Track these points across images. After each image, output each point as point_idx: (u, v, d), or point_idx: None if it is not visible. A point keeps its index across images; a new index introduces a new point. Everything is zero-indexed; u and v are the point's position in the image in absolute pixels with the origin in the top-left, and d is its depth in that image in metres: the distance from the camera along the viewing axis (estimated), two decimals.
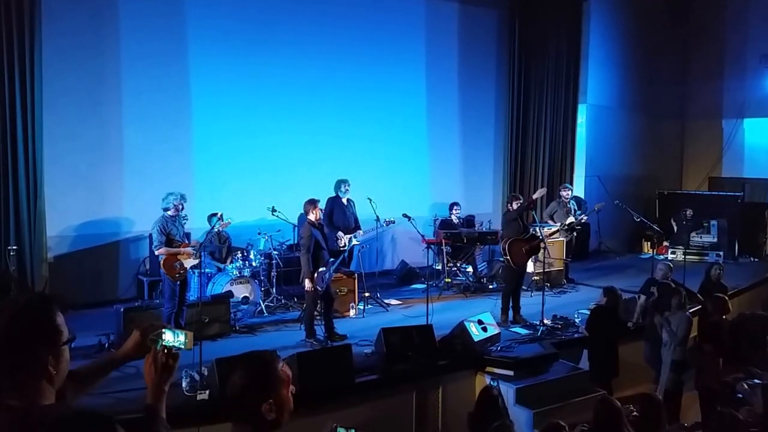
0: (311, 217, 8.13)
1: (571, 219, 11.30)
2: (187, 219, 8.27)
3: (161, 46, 10.08)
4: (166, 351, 2.30)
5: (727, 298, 8.88)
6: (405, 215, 9.37)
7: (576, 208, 11.86)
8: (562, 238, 11.10)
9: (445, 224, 11.54)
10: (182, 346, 2.32)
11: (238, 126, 10.75)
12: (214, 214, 9.24)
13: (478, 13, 13.44)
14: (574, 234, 11.64)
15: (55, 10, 9.12)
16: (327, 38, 11.46)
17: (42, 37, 8.87)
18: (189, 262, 7.86)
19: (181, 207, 7.75)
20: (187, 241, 8.06)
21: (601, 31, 14.82)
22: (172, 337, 2.31)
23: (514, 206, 9.24)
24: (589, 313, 8.41)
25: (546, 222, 11.42)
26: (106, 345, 7.48)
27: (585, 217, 11.63)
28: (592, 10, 14.47)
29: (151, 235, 9.06)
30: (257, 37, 10.87)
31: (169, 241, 7.73)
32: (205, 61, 10.45)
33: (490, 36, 13.70)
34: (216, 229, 8.98)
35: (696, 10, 16.44)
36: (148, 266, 9.82)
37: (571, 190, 12.21)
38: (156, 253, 7.91)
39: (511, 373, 7.47)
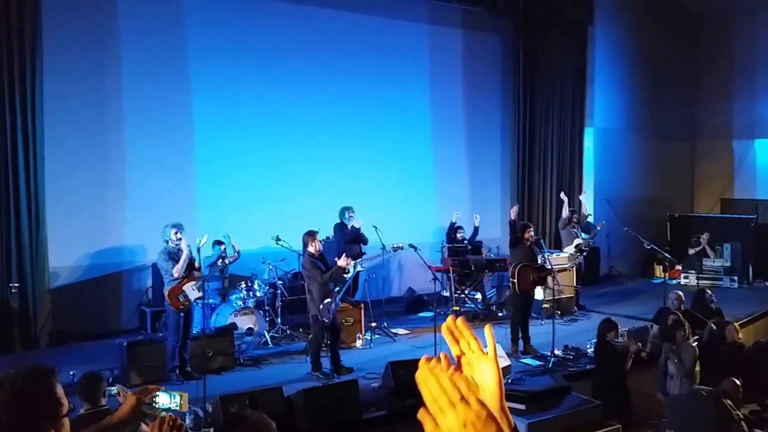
0: (311, 249, 8.04)
1: (578, 240, 11.14)
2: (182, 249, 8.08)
3: (164, 77, 10.05)
4: (171, 423, 2.22)
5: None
6: (411, 246, 9.25)
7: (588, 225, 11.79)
8: (571, 264, 10.94)
9: (453, 250, 11.34)
10: (177, 408, 2.33)
11: (241, 155, 10.67)
12: (219, 242, 9.15)
13: (481, 38, 13.37)
14: (583, 255, 11.42)
15: (57, 41, 9.09)
16: (330, 65, 11.42)
17: (44, 68, 8.83)
18: (193, 294, 7.73)
19: (177, 237, 7.63)
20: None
21: (607, 54, 14.72)
22: (167, 400, 2.31)
23: (527, 236, 9.13)
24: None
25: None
26: (110, 380, 7.32)
27: (593, 235, 11.50)
28: (597, 34, 14.37)
29: (154, 265, 8.93)
30: (260, 66, 10.83)
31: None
32: (208, 91, 10.40)
33: (494, 61, 13.62)
34: (221, 263, 8.83)
35: (705, 31, 16.34)
36: (150, 297, 9.70)
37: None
38: (175, 274, 7.71)
39: (522, 407, 7.23)
